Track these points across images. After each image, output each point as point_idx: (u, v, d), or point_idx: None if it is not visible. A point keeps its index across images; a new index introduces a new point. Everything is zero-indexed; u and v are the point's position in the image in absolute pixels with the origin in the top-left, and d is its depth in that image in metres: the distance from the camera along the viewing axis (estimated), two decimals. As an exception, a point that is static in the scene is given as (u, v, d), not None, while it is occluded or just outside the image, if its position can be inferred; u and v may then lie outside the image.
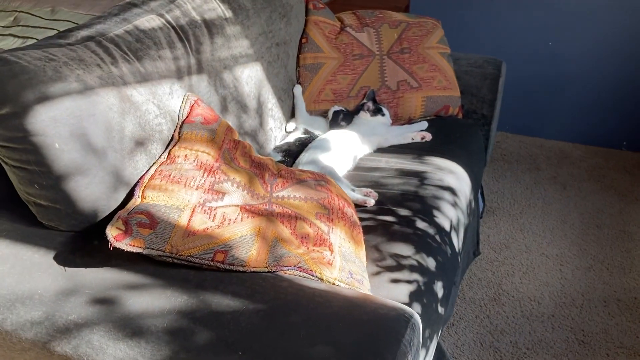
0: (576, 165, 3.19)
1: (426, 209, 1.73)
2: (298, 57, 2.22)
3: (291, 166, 1.95)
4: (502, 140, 3.44)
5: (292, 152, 1.99)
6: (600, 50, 3.09)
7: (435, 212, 1.73)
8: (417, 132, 2.10)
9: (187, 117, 1.59)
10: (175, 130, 1.56)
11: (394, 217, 1.69)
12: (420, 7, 3.27)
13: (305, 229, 1.39)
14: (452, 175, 1.92)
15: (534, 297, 2.29)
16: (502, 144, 3.40)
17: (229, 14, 1.91)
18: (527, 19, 3.12)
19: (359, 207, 1.73)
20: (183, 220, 1.27)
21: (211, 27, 1.82)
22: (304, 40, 2.22)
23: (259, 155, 1.68)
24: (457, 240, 1.76)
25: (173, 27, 1.69)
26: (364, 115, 2.11)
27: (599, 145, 3.37)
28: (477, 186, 2.07)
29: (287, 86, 2.16)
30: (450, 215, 1.76)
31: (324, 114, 2.19)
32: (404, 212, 1.71)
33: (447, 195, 1.82)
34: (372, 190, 1.79)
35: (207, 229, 1.27)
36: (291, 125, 2.13)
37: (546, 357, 2.03)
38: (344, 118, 2.09)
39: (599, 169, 3.16)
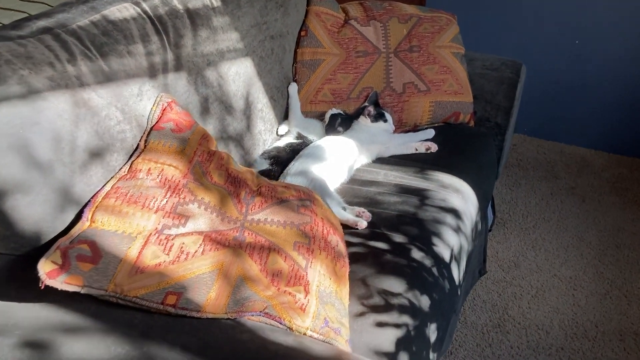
0: (597, 176, 2.96)
1: (425, 235, 1.54)
2: (295, 52, 2.02)
3: (279, 176, 1.76)
4: (518, 144, 3.21)
5: (281, 160, 1.80)
6: (629, 51, 2.83)
7: (435, 239, 1.54)
8: (421, 142, 1.90)
9: (156, 122, 1.41)
10: (141, 138, 1.37)
11: (387, 243, 1.50)
12: (437, 0, 3.03)
13: (279, 264, 1.21)
14: (457, 194, 1.72)
15: (542, 325, 2.09)
16: (518, 148, 3.17)
17: (217, 2, 1.71)
18: (552, 15, 2.87)
19: (349, 228, 1.54)
20: (133, 253, 1.09)
21: (195, 17, 1.62)
22: (303, 33, 2.01)
23: (238, 168, 1.49)
24: (458, 272, 1.57)
25: (150, 18, 1.50)
26: (364, 121, 1.91)
27: (623, 154, 3.13)
28: (485, 204, 1.86)
29: (281, 84, 1.96)
30: (452, 242, 1.56)
31: (320, 117, 1.99)
32: (399, 237, 1.52)
33: (449, 218, 1.62)
34: (365, 210, 1.59)
35: (160, 264, 1.09)
36: (283, 128, 1.93)
37: (551, 397, 1.85)
38: (341, 123, 1.89)
39: (622, 181, 2.93)
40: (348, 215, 1.58)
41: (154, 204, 1.20)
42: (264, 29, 1.87)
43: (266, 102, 1.88)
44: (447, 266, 1.51)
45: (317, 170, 1.72)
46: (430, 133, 1.96)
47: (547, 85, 3.03)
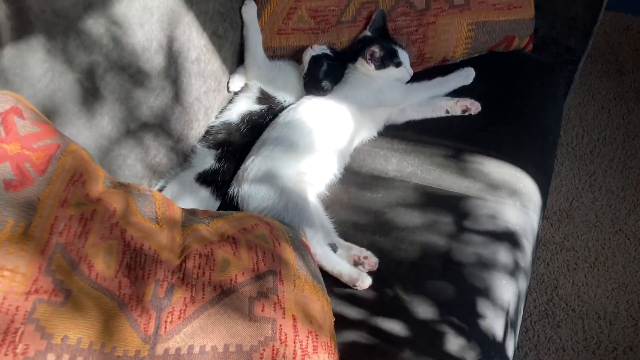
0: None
1: (465, 297, 0.97)
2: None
3: (231, 179, 1.12)
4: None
5: (233, 148, 1.15)
6: None
7: (481, 304, 0.96)
8: (456, 101, 1.21)
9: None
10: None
11: (404, 324, 0.92)
12: None
13: None
14: (514, 200, 1.09)
15: (604, 312, 1.59)
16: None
17: None
18: None
19: (342, 285, 0.96)
20: None
21: None
22: None
23: (144, 226, 0.85)
24: (514, 340, 1.01)
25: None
26: (365, 68, 1.20)
27: None
28: (547, 188, 1.23)
29: (228, 6, 1.21)
30: (506, 298, 0.99)
31: (294, 57, 1.27)
32: (423, 308, 0.94)
33: (503, 253, 1.02)
34: (368, 255, 0.99)
35: None
36: (237, 82, 1.24)
37: None
38: (328, 72, 1.19)
39: None
40: (341, 264, 0.98)
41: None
42: None
43: (204, 43, 1.16)
44: (500, 349, 0.94)
45: (292, 170, 1.08)
46: (469, 75, 1.25)
47: None
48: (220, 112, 1.22)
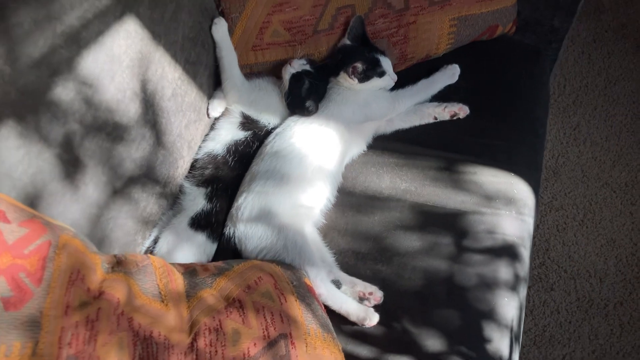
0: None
1: (471, 323, 0.99)
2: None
3: (224, 219, 1.10)
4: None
5: (222, 184, 1.12)
6: None
7: (487, 327, 0.99)
8: (444, 107, 1.18)
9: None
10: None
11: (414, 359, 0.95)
12: None
13: None
14: (509, 210, 1.10)
15: (595, 270, 1.65)
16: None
17: None
18: None
19: (348, 323, 0.98)
20: None
21: None
22: None
23: (150, 297, 0.85)
24: (519, 351, 1.05)
25: None
26: (348, 82, 1.15)
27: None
28: (539, 187, 1.24)
29: (197, 32, 1.14)
30: (510, 315, 1.02)
31: (274, 71, 1.21)
32: (432, 341, 0.97)
33: (504, 269, 1.05)
34: (373, 290, 1.00)
35: None
36: (217, 107, 1.18)
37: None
38: (310, 90, 1.14)
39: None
40: (347, 303, 0.99)
41: None
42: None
43: (178, 75, 1.10)
44: (508, 367, 0.99)
45: (287, 205, 1.07)
46: (454, 73, 1.22)
47: None
48: (203, 140, 1.18)
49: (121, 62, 0.97)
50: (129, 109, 1.00)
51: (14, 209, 0.80)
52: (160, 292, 0.89)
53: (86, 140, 0.93)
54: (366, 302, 1.00)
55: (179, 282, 0.92)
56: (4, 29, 0.81)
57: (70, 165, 0.91)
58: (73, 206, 0.92)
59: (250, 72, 1.21)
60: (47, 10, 0.86)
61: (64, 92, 0.89)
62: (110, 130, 0.97)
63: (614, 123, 1.88)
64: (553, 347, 1.55)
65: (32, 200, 0.86)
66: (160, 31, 1.04)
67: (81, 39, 0.91)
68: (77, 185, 0.92)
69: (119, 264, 0.89)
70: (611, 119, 1.89)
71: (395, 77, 1.18)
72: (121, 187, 1.00)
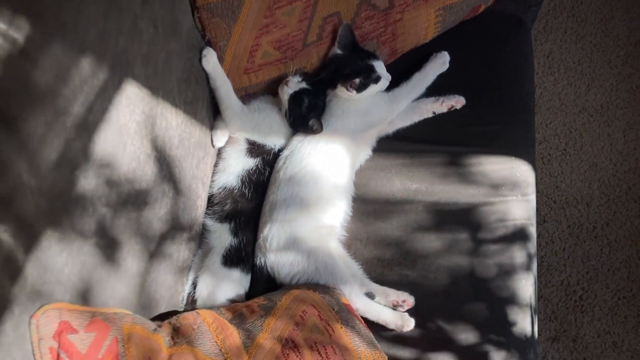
0: None
1: (497, 312, 1.10)
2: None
3: (253, 249, 1.15)
4: None
5: (245, 217, 1.15)
6: None
7: (511, 311, 1.10)
8: (440, 101, 1.20)
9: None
10: None
11: (453, 354, 1.07)
12: None
13: None
14: (515, 193, 1.18)
15: (581, 196, 1.76)
16: None
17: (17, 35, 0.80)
18: None
19: (384, 330, 1.08)
20: None
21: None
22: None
23: (214, 358, 0.93)
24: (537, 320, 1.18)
25: None
26: (346, 94, 1.17)
27: None
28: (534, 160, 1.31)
29: (189, 70, 1.12)
30: (528, 293, 1.13)
31: (269, 89, 1.21)
32: (466, 334, 1.08)
33: (517, 252, 1.15)
34: (405, 297, 1.09)
35: None
36: (220, 137, 1.19)
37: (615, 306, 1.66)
38: (310, 108, 1.15)
39: None
40: (384, 314, 1.09)
41: None
42: (129, 14, 0.95)
43: (181, 120, 1.10)
44: (532, 341, 1.11)
45: (310, 228, 1.12)
46: (444, 61, 1.23)
47: None
48: (214, 172, 1.19)
49: (129, 130, 0.97)
50: (145, 172, 1.01)
51: (76, 316, 0.84)
52: (220, 350, 0.96)
53: (116, 218, 0.95)
54: (399, 308, 1.09)
55: (234, 335, 0.99)
56: (20, 142, 0.80)
57: (108, 248, 0.94)
58: (118, 284, 0.96)
59: (245, 94, 1.20)
60: (54, 108, 0.84)
61: (86, 182, 0.89)
62: (134, 199, 0.99)
63: (585, 44, 1.92)
64: (551, 274, 1.69)
65: (84, 295, 0.90)
66: (157, 84, 1.03)
67: (89, 123, 0.90)
68: (118, 263, 0.96)
69: (177, 333, 0.95)
70: (581, 41, 1.92)
71: (389, 78, 1.19)
72: (155, 248, 1.03)
